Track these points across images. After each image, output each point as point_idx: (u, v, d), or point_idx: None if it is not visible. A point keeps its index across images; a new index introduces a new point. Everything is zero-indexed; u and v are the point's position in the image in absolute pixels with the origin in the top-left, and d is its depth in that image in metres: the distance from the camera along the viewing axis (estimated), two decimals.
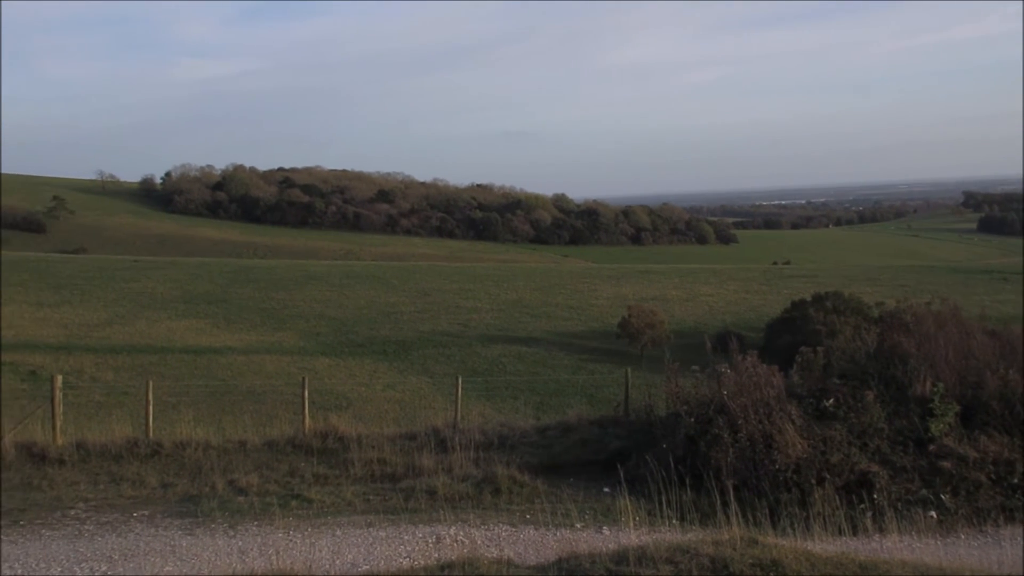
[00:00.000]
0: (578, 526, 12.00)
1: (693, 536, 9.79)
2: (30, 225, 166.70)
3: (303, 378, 17.83)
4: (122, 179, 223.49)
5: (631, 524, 10.41)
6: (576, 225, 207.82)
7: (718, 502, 10.89)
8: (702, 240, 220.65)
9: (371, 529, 11.98)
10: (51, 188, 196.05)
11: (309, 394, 17.37)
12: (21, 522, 12.48)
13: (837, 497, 12.15)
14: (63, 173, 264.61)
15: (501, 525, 12.22)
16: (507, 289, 73.08)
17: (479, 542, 11.13)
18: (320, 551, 10.89)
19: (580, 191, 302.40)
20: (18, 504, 13.32)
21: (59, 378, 16.93)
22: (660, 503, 11.54)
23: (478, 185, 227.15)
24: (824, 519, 11.30)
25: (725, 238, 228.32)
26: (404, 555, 10.93)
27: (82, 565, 10.81)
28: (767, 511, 11.47)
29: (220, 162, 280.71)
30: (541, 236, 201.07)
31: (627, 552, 8.52)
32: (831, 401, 13.72)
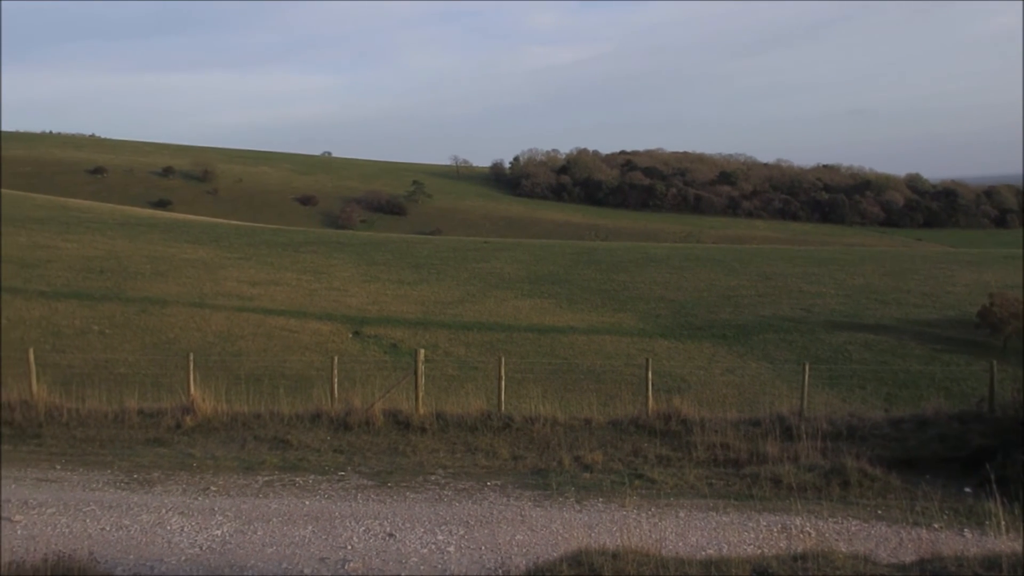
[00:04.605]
0: (936, 526, 11.34)
1: None
2: (393, 208, 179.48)
3: (646, 359, 18.00)
4: (474, 164, 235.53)
5: (1002, 528, 9.62)
6: (931, 207, 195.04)
7: None
8: None
9: (715, 513, 11.93)
10: (411, 173, 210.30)
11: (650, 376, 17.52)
12: (389, 484, 13.53)
13: None
14: (422, 159, 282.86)
15: (851, 519, 11.80)
16: (854, 274, 69.89)
17: (828, 535, 10.76)
18: (664, 531, 10.96)
19: (935, 171, 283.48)
20: (385, 467, 14.46)
21: (422, 352, 18.16)
22: None
23: (824, 166, 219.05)
24: None
25: None
26: (750, 542, 10.78)
27: (442, 527, 11.53)
28: None
29: (565, 146, 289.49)
30: (892, 219, 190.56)
31: (999, 558, 7.87)
32: None
